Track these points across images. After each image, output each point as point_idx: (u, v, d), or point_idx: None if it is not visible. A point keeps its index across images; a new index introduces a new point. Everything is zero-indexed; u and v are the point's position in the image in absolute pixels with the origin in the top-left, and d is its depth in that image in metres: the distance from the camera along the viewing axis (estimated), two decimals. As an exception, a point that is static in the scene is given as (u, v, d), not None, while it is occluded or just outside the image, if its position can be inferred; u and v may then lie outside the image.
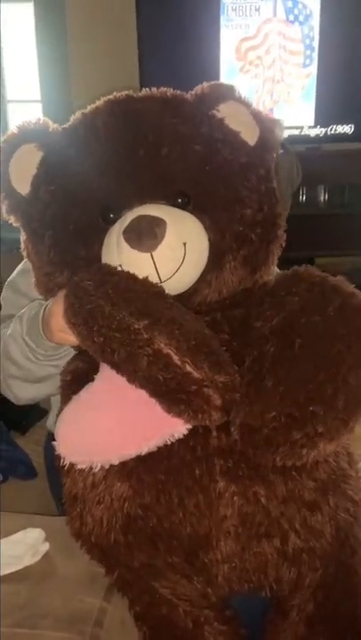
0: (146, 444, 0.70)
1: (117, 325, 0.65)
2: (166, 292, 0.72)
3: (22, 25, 2.92)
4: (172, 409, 0.66)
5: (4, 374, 0.96)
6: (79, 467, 0.73)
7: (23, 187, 0.78)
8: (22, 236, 0.82)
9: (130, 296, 0.67)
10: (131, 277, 0.70)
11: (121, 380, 0.67)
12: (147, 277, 0.70)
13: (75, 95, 2.84)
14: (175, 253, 0.71)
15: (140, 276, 0.70)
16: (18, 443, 1.50)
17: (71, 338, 0.74)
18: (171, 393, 0.65)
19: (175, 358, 0.64)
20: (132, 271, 0.71)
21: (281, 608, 0.82)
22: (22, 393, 0.98)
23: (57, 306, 0.77)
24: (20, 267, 1.07)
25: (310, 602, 0.79)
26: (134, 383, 0.67)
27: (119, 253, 0.71)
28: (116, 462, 0.71)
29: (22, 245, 0.83)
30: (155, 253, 0.69)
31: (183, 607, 0.79)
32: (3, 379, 0.97)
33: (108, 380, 0.71)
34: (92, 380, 0.74)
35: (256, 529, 0.73)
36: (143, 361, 0.64)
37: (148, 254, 0.69)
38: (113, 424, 0.71)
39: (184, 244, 0.71)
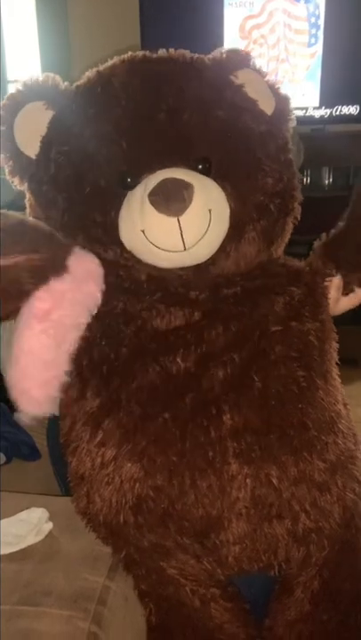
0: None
1: None
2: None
3: (23, 4, 2.86)
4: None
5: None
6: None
7: (30, 148, 0.73)
8: (28, 201, 0.78)
9: None
10: None
11: None
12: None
13: (75, 75, 2.79)
14: (202, 220, 0.68)
15: (166, 242, 0.69)
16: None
17: None
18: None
19: None
20: (155, 237, 0.68)
21: (286, 585, 0.82)
22: None
23: None
24: None
25: (316, 579, 0.80)
26: None
27: (142, 217, 0.68)
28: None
29: (28, 211, 0.78)
30: (182, 218, 0.66)
31: (190, 587, 0.80)
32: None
33: None
34: None
35: (268, 510, 0.73)
36: None
37: (175, 219, 0.66)
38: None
39: (210, 210, 0.69)
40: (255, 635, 0.82)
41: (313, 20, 2.66)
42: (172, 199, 0.66)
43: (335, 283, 0.80)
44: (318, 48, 2.68)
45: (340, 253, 0.80)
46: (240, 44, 2.66)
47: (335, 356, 0.80)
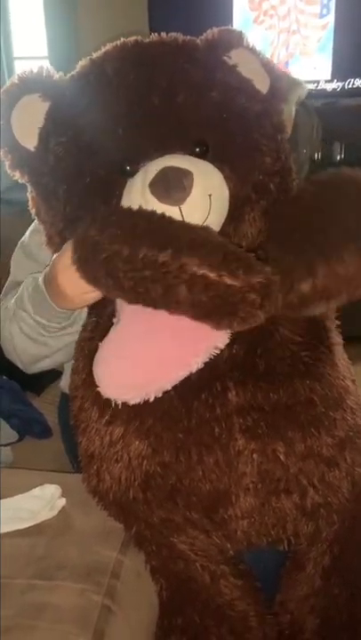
0: (195, 360, 0.69)
1: (143, 264, 0.62)
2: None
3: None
4: (221, 324, 0.64)
5: (18, 347, 0.93)
6: (132, 402, 0.71)
7: (29, 140, 0.74)
8: (30, 194, 0.79)
9: (139, 231, 0.64)
10: (128, 212, 0.67)
11: (149, 312, 0.66)
12: (141, 207, 0.67)
13: (82, 51, 2.76)
14: (203, 206, 0.69)
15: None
16: (33, 403, 1.51)
17: (93, 294, 0.73)
18: (217, 310, 0.63)
19: (212, 276, 0.61)
20: None
21: (297, 561, 0.83)
22: (32, 363, 0.97)
23: (65, 274, 0.74)
24: (32, 227, 1.05)
25: (326, 555, 0.80)
26: (176, 312, 0.64)
27: (145, 207, 0.68)
28: (169, 387, 0.70)
29: (30, 203, 0.80)
30: (183, 207, 0.67)
31: (200, 562, 0.80)
32: (12, 350, 0.95)
33: (136, 316, 0.69)
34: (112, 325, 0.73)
35: (275, 485, 0.73)
36: (182, 289, 0.61)
37: (177, 208, 0.67)
38: (159, 352, 0.70)
39: (209, 195, 0.69)
40: (265, 612, 0.83)
41: (325, -11, 2.59)
42: (172, 188, 0.66)
43: None
44: (330, 19, 2.61)
45: None
46: (250, 16, 2.60)
47: (338, 332, 0.80)
